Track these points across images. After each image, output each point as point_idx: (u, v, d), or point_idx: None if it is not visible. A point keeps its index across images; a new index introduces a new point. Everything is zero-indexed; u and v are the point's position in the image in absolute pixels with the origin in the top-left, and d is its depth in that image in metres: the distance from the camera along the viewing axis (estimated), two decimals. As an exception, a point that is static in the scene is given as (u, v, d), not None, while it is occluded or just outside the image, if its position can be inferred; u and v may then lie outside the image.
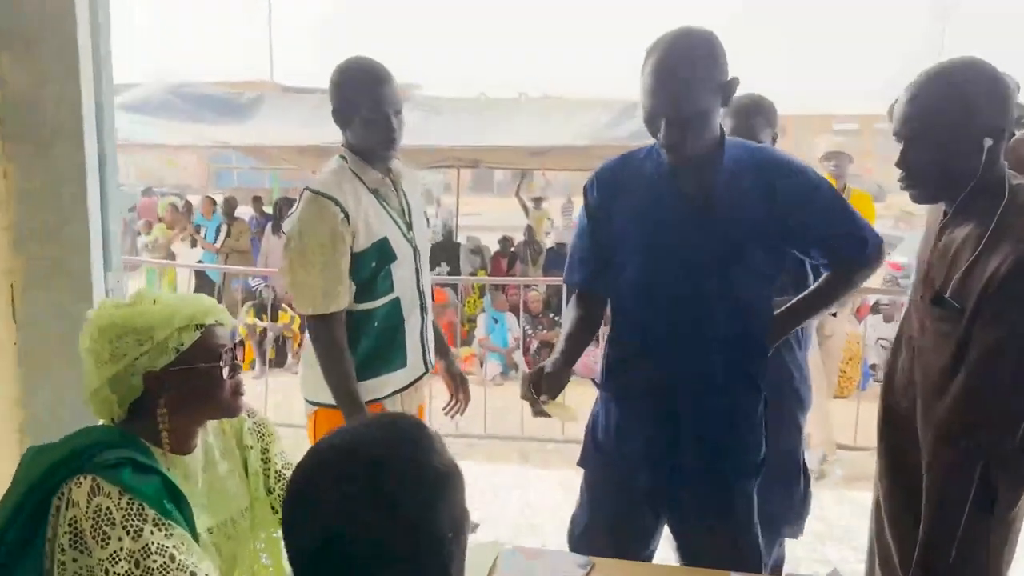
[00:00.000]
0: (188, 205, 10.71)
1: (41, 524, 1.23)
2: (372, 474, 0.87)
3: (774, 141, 2.45)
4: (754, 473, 1.86)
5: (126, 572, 1.18)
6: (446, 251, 10.33)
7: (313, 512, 0.88)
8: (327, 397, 2.03)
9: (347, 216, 1.97)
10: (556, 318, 7.15)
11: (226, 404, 1.39)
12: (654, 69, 1.65)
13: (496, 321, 7.27)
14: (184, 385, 1.34)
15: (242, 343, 1.49)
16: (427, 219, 2.29)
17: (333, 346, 2.00)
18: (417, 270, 2.15)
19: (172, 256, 8.65)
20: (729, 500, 1.83)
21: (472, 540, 1.02)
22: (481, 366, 6.61)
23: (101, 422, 1.37)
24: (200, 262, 8.59)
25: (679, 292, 1.76)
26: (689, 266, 1.75)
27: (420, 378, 2.22)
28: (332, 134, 2.13)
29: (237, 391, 1.41)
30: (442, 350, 2.36)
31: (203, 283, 7.97)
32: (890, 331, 6.40)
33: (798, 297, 1.94)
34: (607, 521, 1.91)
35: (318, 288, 1.97)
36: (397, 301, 2.09)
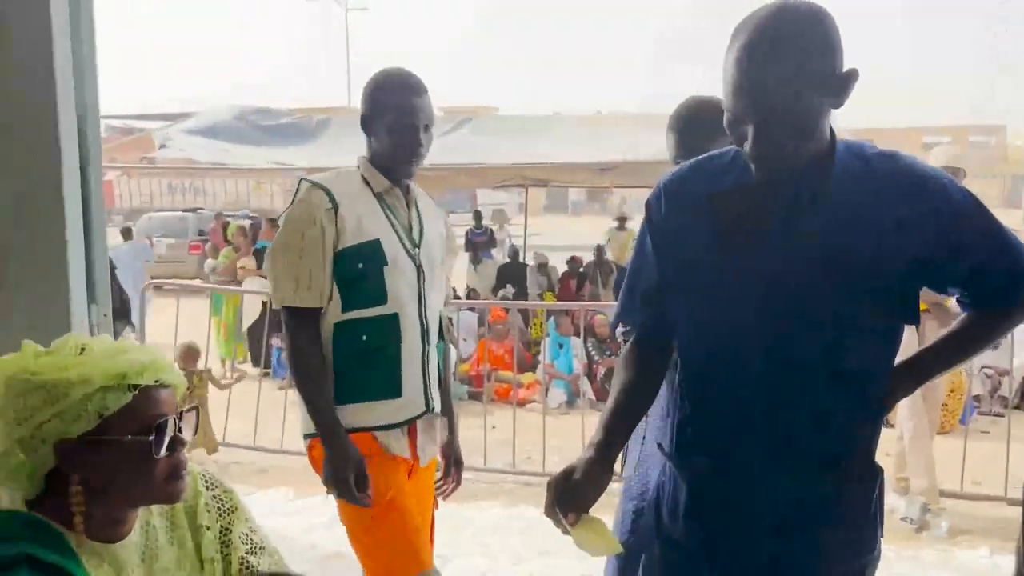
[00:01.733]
0: (256, 228, 10.70)
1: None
2: None
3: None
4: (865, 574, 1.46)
5: None
6: (513, 272, 10.07)
7: None
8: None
9: (335, 208, 1.89)
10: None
11: (158, 490, 1.11)
12: (738, 58, 1.25)
13: (561, 346, 6.93)
14: (104, 460, 1.06)
15: (194, 410, 1.20)
16: (452, 253, 2.19)
17: (300, 342, 1.90)
18: (420, 292, 2.00)
19: (239, 281, 8.60)
20: None
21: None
22: (545, 394, 6.27)
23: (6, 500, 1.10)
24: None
25: (772, 349, 1.35)
26: (785, 315, 1.33)
27: (419, 417, 2.01)
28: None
29: (176, 473, 1.13)
30: (446, 409, 2.15)
31: (268, 308, 7.84)
32: (996, 358, 5.82)
33: (926, 347, 1.51)
34: None
35: (292, 278, 1.88)
36: (394, 318, 1.94)
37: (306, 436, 1.99)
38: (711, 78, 1.38)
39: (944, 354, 1.48)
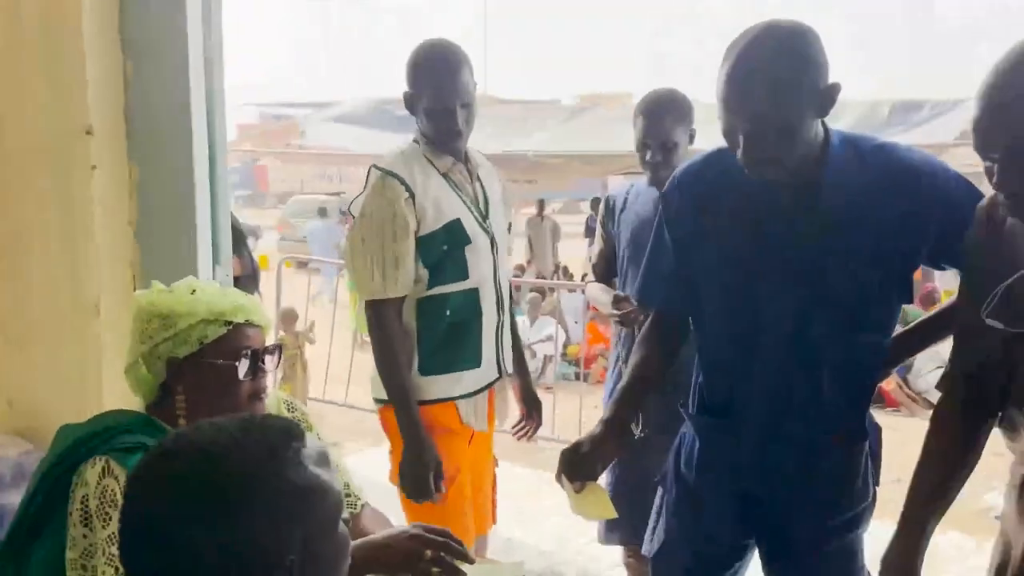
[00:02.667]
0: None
1: (62, 498, 1.30)
2: (208, 476, 0.82)
3: (691, 139, 2.28)
4: (857, 526, 1.61)
5: (121, 553, 1.22)
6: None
7: (138, 509, 0.83)
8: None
9: (412, 196, 1.90)
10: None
11: (241, 406, 1.37)
12: (729, 75, 1.36)
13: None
14: (201, 378, 1.35)
15: (277, 349, 1.46)
16: (510, 223, 2.22)
17: (388, 335, 1.93)
18: (495, 263, 2.05)
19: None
20: (832, 557, 1.60)
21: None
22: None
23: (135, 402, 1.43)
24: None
25: (778, 329, 1.50)
26: (789, 300, 1.48)
27: (492, 384, 2.10)
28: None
29: (256, 395, 1.39)
30: (520, 366, 2.26)
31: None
32: None
33: (920, 319, 1.65)
34: (685, 558, 1.72)
35: (376, 271, 1.90)
36: (475, 292, 1.99)
37: (378, 401, 2.08)
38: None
39: (938, 324, 1.60)
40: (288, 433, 0.88)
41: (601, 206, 2.58)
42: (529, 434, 2.31)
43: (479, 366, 2.04)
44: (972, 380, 1.32)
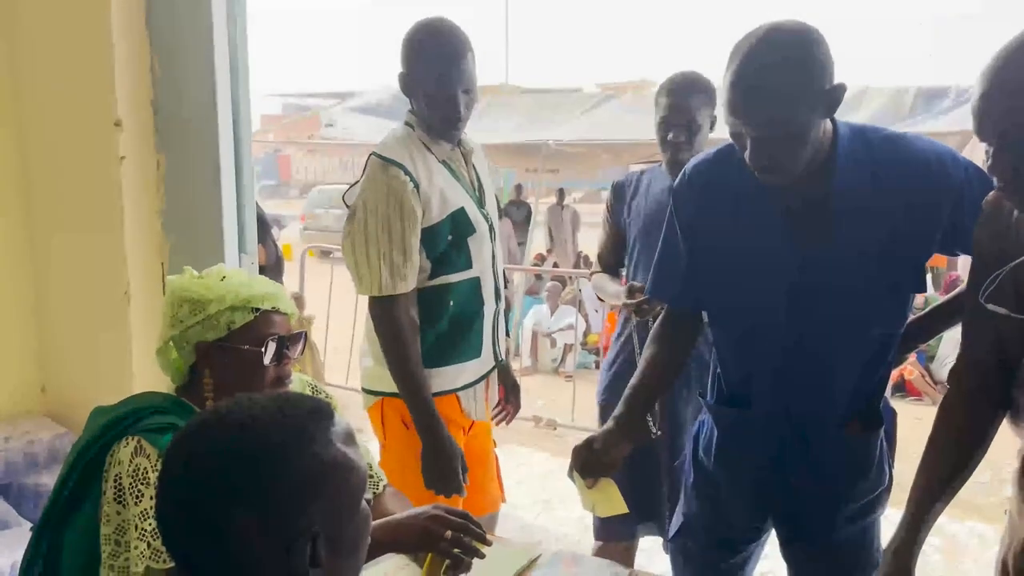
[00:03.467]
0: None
1: (96, 476, 1.35)
2: (240, 446, 0.86)
3: (713, 125, 2.25)
4: (872, 511, 1.62)
5: (153, 529, 1.27)
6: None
7: (175, 475, 0.88)
8: (392, 385, 1.89)
9: (417, 186, 1.80)
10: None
11: (265, 390, 1.41)
12: (733, 83, 1.34)
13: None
14: (228, 363, 1.39)
15: (301, 336, 1.49)
16: (499, 204, 2.15)
17: (399, 331, 1.84)
18: (493, 251, 1.98)
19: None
20: (846, 543, 1.62)
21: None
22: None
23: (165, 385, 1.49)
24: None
25: (790, 330, 1.50)
26: (801, 299, 1.48)
27: (491, 372, 2.05)
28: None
29: (280, 380, 1.43)
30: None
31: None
32: None
33: (934, 305, 1.66)
34: (700, 539, 1.75)
35: (384, 266, 1.80)
36: (477, 282, 1.93)
37: (376, 393, 1.97)
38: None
39: (948, 312, 1.61)
40: (318, 411, 0.92)
41: (609, 193, 2.50)
42: (508, 419, 2.24)
43: (480, 356, 1.99)
44: (979, 367, 1.31)
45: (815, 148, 1.39)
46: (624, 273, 2.50)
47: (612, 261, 2.51)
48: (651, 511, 2.39)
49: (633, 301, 2.21)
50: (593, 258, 2.67)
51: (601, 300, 3.37)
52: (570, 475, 1.59)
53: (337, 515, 0.89)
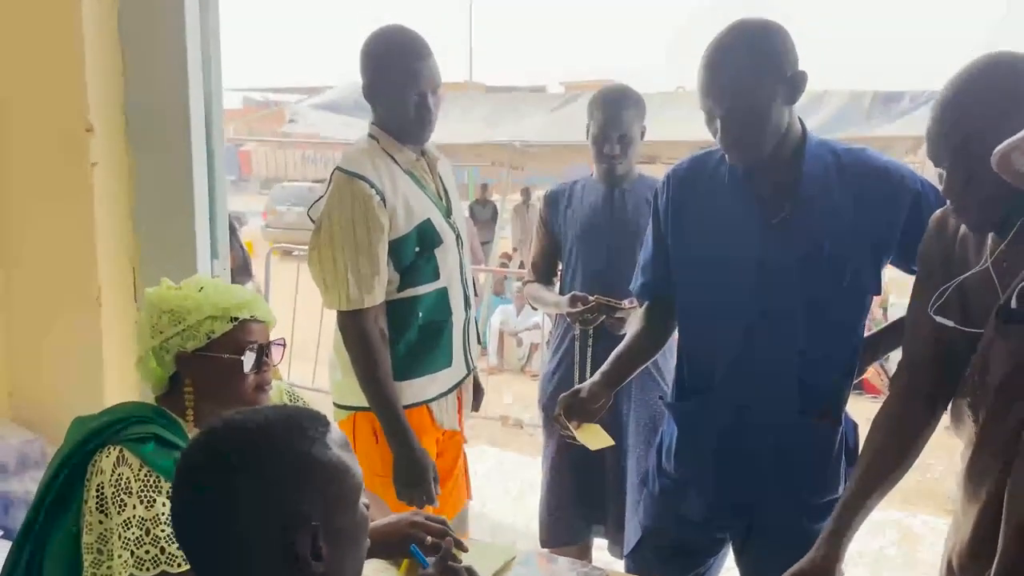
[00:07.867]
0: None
1: (77, 486, 1.36)
2: (246, 448, 0.95)
3: (643, 135, 2.34)
4: (828, 516, 1.69)
5: (136, 538, 1.29)
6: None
7: (190, 468, 0.97)
8: (363, 399, 1.90)
9: (383, 198, 1.80)
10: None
11: (246, 398, 1.44)
12: (704, 65, 1.53)
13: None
14: (209, 371, 1.42)
15: (280, 343, 1.52)
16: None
17: (368, 344, 1.84)
18: (461, 260, 1.99)
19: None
20: (805, 545, 1.68)
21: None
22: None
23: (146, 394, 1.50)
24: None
25: (753, 314, 1.60)
26: (765, 284, 1.58)
27: (463, 381, 2.06)
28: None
29: (260, 388, 1.46)
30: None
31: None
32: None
33: (894, 320, 1.74)
34: (662, 551, 1.80)
35: (351, 280, 1.81)
36: (444, 292, 1.94)
37: (347, 408, 1.97)
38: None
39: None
40: (316, 419, 1.01)
41: (542, 203, 2.55)
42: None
43: (451, 366, 1.99)
44: (918, 373, 1.39)
45: (782, 134, 1.54)
46: (558, 281, 2.55)
47: (545, 269, 2.56)
48: (599, 513, 2.48)
49: (576, 310, 2.25)
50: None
51: (535, 309, 3.40)
52: (556, 419, 1.75)
53: (335, 512, 0.96)
